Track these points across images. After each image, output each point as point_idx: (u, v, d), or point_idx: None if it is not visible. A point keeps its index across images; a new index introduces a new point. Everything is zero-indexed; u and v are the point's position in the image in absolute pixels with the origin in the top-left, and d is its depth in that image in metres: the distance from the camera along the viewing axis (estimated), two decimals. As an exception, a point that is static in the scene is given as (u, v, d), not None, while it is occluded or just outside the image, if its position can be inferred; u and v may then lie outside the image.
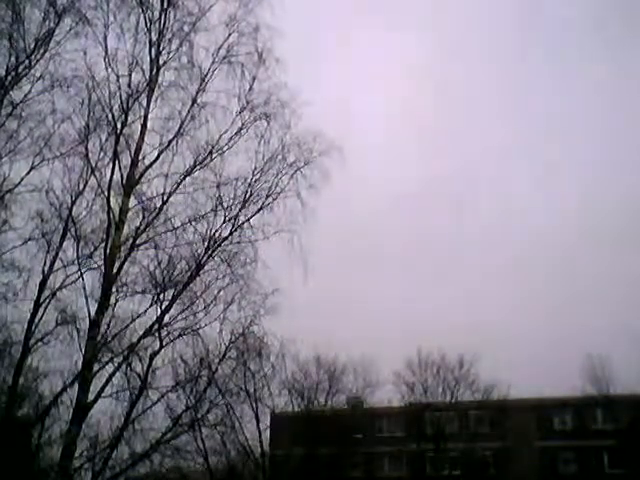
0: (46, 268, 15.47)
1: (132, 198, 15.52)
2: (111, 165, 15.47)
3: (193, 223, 16.00)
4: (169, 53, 16.20)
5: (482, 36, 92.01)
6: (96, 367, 14.67)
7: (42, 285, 15.34)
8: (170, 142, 15.87)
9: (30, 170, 15.23)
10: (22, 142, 15.19)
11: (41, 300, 15.30)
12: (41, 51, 15.12)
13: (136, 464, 15.61)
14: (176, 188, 15.82)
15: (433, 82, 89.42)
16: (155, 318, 15.45)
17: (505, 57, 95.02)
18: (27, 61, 15.03)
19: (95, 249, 15.60)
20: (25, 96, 15.06)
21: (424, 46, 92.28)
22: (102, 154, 15.64)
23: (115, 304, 15.13)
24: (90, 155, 15.56)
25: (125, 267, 15.38)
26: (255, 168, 16.35)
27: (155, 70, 15.94)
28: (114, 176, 15.38)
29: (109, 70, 15.54)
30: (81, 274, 15.31)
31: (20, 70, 15.01)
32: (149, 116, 15.75)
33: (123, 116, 15.57)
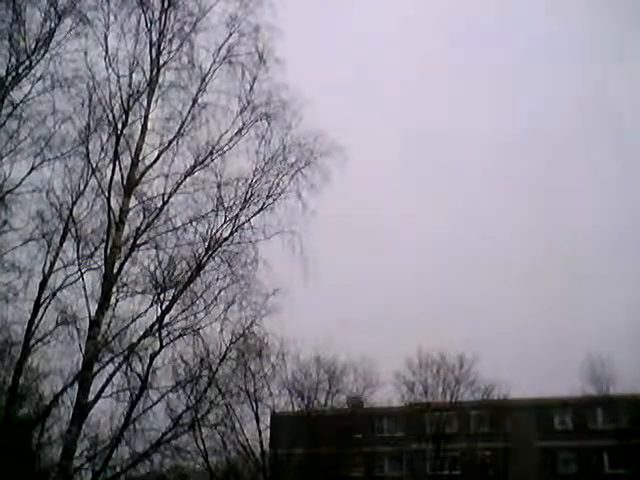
0: (46, 268, 15.52)
1: (132, 198, 15.52)
2: (111, 165, 15.47)
3: (194, 223, 16.02)
4: (169, 53, 16.20)
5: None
6: (96, 367, 14.66)
7: (42, 285, 15.39)
8: (170, 142, 15.86)
9: (31, 170, 15.27)
10: (23, 142, 15.25)
11: (41, 300, 15.36)
12: (42, 51, 15.14)
13: (136, 464, 15.63)
14: (176, 188, 15.83)
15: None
16: (155, 318, 15.46)
17: None
18: (28, 61, 15.05)
19: (95, 249, 15.62)
20: (26, 96, 15.09)
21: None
22: (103, 154, 15.67)
23: (115, 304, 15.14)
24: (91, 155, 15.59)
25: (125, 267, 15.40)
26: (256, 168, 16.36)
27: (155, 70, 15.92)
28: (114, 176, 15.38)
29: (110, 70, 15.54)
30: (81, 274, 15.34)
31: (21, 70, 15.03)
32: (149, 116, 15.74)
33: (124, 116, 15.56)
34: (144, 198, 15.76)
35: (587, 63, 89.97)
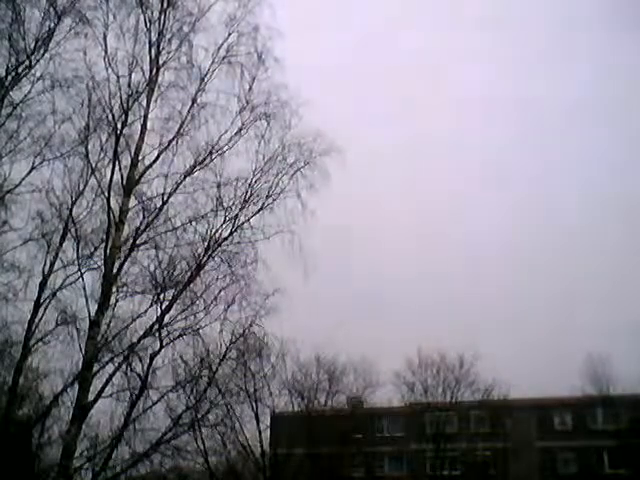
0: (46, 268, 15.50)
1: (132, 198, 15.52)
2: (111, 165, 15.48)
3: (193, 223, 16.02)
4: (169, 53, 16.21)
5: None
6: (96, 367, 14.67)
7: (42, 285, 15.37)
8: (170, 142, 15.87)
9: (30, 170, 15.26)
10: (22, 142, 15.23)
11: (41, 300, 15.33)
12: (41, 51, 15.13)
13: (136, 464, 15.61)
14: (176, 188, 15.83)
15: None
16: (155, 318, 15.45)
17: None
18: (27, 61, 15.03)
19: (95, 249, 15.62)
20: (25, 96, 15.08)
21: None
22: (102, 154, 15.67)
23: (115, 304, 15.15)
24: (90, 155, 15.59)
25: (125, 267, 15.40)
26: (255, 168, 16.37)
27: (155, 70, 15.94)
28: (114, 176, 15.39)
29: (109, 70, 15.55)
30: (81, 274, 15.33)
31: (20, 70, 15.02)
32: (149, 116, 15.76)
33: (123, 116, 15.56)
34: (144, 198, 15.78)
35: None
